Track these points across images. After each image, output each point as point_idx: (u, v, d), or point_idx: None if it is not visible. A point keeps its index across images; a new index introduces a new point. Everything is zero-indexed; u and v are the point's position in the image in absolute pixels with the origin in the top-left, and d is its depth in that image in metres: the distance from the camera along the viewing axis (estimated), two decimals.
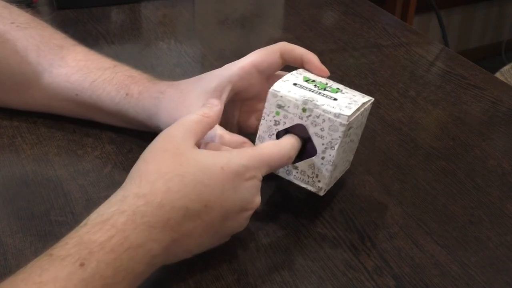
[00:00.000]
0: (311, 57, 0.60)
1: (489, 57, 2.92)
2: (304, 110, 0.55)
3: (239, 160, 0.51)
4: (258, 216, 0.56)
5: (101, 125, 0.70)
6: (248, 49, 0.63)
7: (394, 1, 2.17)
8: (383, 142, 0.70)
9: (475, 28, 2.98)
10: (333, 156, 0.55)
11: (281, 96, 0.55)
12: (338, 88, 0.57)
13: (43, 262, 0.43)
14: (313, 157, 0.56)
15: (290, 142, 0.55)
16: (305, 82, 0.57)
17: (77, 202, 0.59)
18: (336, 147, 0.54)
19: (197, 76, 0.63)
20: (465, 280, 0.53)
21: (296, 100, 0.55)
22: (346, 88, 0.58)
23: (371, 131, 0.72)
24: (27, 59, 0.67)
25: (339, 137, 0.54)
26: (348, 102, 0.55)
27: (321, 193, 0.57)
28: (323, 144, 0.55)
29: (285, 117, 0.55)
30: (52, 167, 0.64)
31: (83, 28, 0.91)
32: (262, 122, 0.57)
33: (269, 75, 0.62)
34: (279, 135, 0.57)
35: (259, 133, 0.57)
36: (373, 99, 0.58)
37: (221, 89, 0.60)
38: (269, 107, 0.56)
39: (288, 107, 0.55)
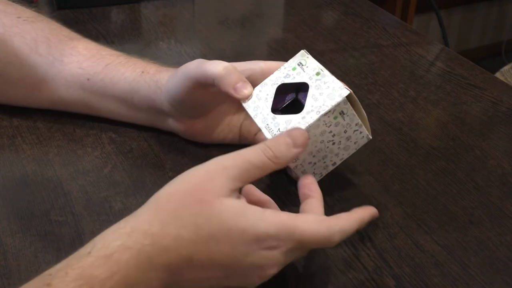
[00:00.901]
0: None
1: (489, 57, 2.92)
2: (318, 74, 0.57)
3: (266, 227, 0.46)
4: None
5: (101, 125, 0.70)
6: (248, 49, 0.63)
7: (394, 1, 2.17)
8: (383, 142, 0.70)
9: (475, 28, 2.98)
10: (312, 119, 0.54)
11: (307, 57, 0.59)
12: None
13: None
14: (295, 115, 0.55)
15: (339, 225, 0.48)
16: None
17: (77, 202, 0.59)
18: (321, 113, 0.54)
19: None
20: (465, 280, 0.53)
21: (317, 64, 0.58)
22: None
23: (371, 131, 0.72)
24: (37, 50, 0.67)
25: (331, 105, 0.54)
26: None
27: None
28: (312, 106, 0.55)
29: (298, 74, 0.58)
30: (52, 167, 0.64)
31: (83, 28, 0.91)
32: (275, 72, 0.59)
33: None
34: (280, 88, 0.58)
35: (265, 80, 0.59)
36: (368, 137, 0.59)
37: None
38: (291, 61, 0.59)
39: (307, 67, 0.58)
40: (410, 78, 0.84)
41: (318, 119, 0.54)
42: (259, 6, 1.04)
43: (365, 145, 0.69)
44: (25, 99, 0.70)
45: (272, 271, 0.47)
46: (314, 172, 0.58)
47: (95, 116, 0.70)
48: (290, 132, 0.51)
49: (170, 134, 0.69)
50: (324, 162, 0.59)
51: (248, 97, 0.57)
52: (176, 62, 0.83)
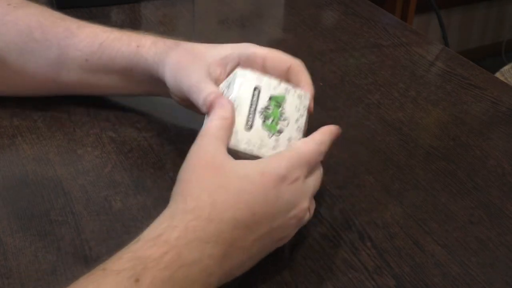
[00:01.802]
0: (309, 90, 0.59)
1: (489, 57, 2.92)
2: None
3: (277, 164, 0.49)
4: None
5: (101, 125, 0.70)
6: None
7: (394, 1, 2.17)
8: (383, 142, 0.70)
9: (475, 28, 2.98)
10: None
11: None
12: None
13: (97, 277, 0.42)
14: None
15: (322, 138, 0.54)
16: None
17: (77, 202, 0.59)
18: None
19: (208, 44, 0.64)
20: (465, 280, 0.53)
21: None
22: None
23: (371, 131, 0.72)
24: (33, 36, 0.67)
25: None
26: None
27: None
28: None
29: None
30: (52, 167, 0.64)
31: None
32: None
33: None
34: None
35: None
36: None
37: (227, 62, 0.60)
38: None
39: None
40: (410, 78, 0.84)
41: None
42: (259, 6, 1.04)
43: (365, 145, 0.69)
44: (27, 87, 0.71)
45: (304, 203, 0.51)
46: None
47: (95, 116, 0.71)
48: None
49: (170, 134, 0.69)
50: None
51: None
52: None
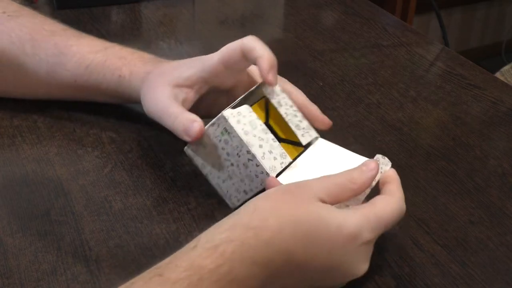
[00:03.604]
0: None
1: (489, 57, 2.92)
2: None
3: (355, 221, 0.48)
4: None
5: (101, 125, 0.70)
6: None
7: (394, 1, 2.17)
8: (383, 142, 0.70)
9: (475, 28, 2.98)
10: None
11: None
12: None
13: (154, 284, 0.42)
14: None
15: (401, 195, 0.52)
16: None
17: (77, 202, 0.59)
18: (209, 123, 0.55)
19: (178, 61, 0.64)
20: (465, 280, 0.53)
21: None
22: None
23: (371, 131, 0.72)
24: (24, 50, 0.68)
25: (215, 118, 0.55)
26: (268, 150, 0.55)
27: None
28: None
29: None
30: (52, 167, 0.64)
31: (83, 28, 0.91)
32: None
33: (242, 69, 0.62)
34: None
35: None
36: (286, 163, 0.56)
37: (192, 83, 0.61)
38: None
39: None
40: (410, 78, 0.84)
41: (207, 127, 0.55)
42: (259, 6, 1.04)
43: (365, 145, 0.69)
44: (21, 94, 0.72)
45: (365, 266, 0.49)
46: (227, 191, 0.57)
47: (95, 116, 0.71)
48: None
49: (170, 134, 0.69)
50: (233, 184, 0.56)
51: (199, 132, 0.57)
52: None
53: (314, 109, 0.61)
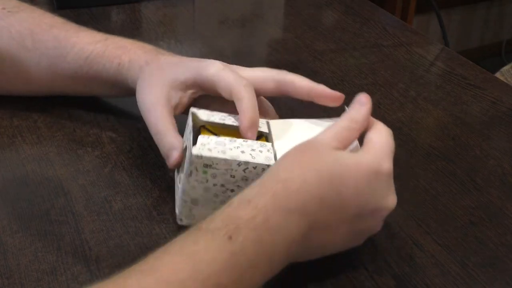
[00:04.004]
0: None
1: (489, 57, 2.92)
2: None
3: (369, 156, 0.51)
4: None
5: (101, 125, 0.70)
6: (248, 49, 0.63)
7: (394, 1, 2.17)
8: None
9: (475, 28, 2.98)
10: (183, 183, 0.54)
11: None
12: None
13: (193, 235, 0.45)
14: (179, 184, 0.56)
15: (377, 120, 0.56)
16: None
17: (77, 202, 0.59)
18: (183, 178, 0.53)
19: (178, 59, 0.64)
20: (465, 280, 0.53)
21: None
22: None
23: None
24: (24, 45, 0.68)
25: (186, 167, 0.53)
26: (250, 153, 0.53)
27: (178, 222, 0.56)
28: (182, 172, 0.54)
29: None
30: (52, 167, 0.64)
31: None
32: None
33: None
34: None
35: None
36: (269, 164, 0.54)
37: (186, 87, 0.60)
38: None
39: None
40: (410, 78, 0.84)
41: (184, 183, 0.53)
42: (259, 6, 1.04)
43: None
44: (22, 91, 0.72)
45: (393, 197, 0.53)
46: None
47: (95, 116, 0.71)
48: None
49: None
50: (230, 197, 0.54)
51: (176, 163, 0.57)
52: None
53: (321, 88, 0.61)
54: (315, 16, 1.01)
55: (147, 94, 0.61)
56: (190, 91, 0.61)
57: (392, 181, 0.53)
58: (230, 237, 0.44)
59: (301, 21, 0.98)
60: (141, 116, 0.71)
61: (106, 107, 0.72)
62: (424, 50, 0.91)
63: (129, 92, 0.66)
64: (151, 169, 0.64)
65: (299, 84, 0.60)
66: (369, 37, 0.94)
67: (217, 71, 0.59)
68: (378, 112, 0.75)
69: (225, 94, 0.58)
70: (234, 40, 0.92)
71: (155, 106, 0.60)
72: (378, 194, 0.51)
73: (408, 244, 0.56)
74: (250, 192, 0.48)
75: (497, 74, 1.50)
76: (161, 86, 0.60)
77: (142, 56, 0.65)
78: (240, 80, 0.57)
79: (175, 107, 0.60)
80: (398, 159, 0.67)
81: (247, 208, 0.46)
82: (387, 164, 0.52)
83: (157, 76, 0.61)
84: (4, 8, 0.69)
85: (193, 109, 0.57)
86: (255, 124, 0.56)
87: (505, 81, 1.07)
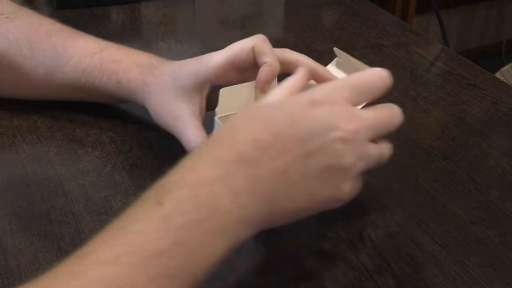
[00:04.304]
0: (267, 74, 0.59)
1: (489, 57, 2.92)
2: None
3: (310, 91, 0.49)
4: None
5: (101, 125, 0.70)
6: None
7: (394, 1, 2.17)
8: None
9: (475, 28, 2.98)
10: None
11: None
12: None
13: (126, 212, 0.44)
14: None
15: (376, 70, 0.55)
16: None
17: (77, 202, 0.59)
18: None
19: (178, 68, 0.63)
20: (465, 280, 0.53)
21: None
22: None
23: None
24: (21, 52, 0.68)
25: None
26: None
27: None
28: None
29: None
30: (52, 167, 0.64)
31: (83, 28, 0.91)
32: None
33: (249, 68, 0.62)
34: None
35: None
36: None
37: (200, 88, 0.61)
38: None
39: None
40: (410, 78, 0.84)
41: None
42: (259, 6, 1.04)
43: None
44: (19, 95, 0.72)
45: (349, 126, 0.48)
46: None
47: (95, 116, 0.71)
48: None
49: (170, 134, 0.68)
50: None
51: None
52: None
53: (321, 69, 0.62)
54: (315, 16, 1.01)
55: (171, 116, 0.62)
56: (204, 92, 0.62)
57: (343, 111, 0.48)
58: (159, 203, 0.43)
59: (301, 21, 0.98)
60: (141, 116, 0.71)
61: (106, 107, 0.72)
62: (424, 50, 0.91)
63: (131, 102, 0.67)
64: (151, 169, 0.64)
65: (302, 64, 0.61)
66: (369, 37, 0.94)
67: (226, 53, 0.61)
68: None
69: (245, 61, 0.60)
70: (234, 40, 0.92)
71: (185, 127, 0.61)
72: (319, 123, 0.47)
73: (408, 244, 0.56)
74: (181, 162, 0.47)
75: (497, 74, 1.50)
76: (180, 102, 0.62)
77: (139, 77, 0.65)
78: (256, 41, 0.62)
79: (200, 113, 0.62)
80: (398, 159, 0.67)
81: (173, 172, 0.45)
82: (334, 95, 0.49)
83: (165, 101, 0.63)
84: (2, 14, 0.69)
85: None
86: (275, 76, 0.58)
87: (505, 81, 1.07)
